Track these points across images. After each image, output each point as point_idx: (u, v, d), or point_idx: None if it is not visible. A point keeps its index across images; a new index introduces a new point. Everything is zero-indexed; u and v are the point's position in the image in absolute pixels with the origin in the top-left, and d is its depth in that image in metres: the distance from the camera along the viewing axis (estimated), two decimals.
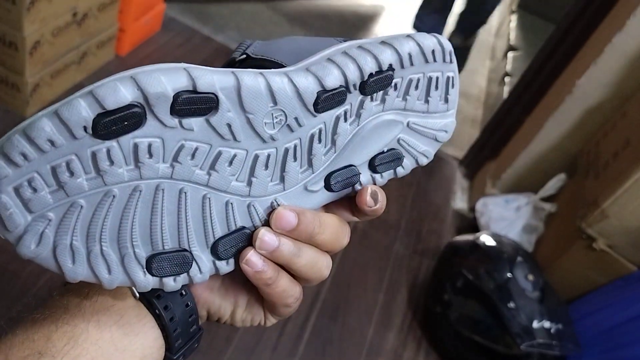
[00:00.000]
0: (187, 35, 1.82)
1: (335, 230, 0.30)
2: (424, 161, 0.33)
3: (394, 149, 0.31)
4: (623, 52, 1.27)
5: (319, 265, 0.30)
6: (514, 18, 2.58)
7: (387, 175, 0.32)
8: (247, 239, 0.28)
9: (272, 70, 0.26)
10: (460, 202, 1.73)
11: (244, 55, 0.31)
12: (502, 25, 2.75)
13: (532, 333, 1.11)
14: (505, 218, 1.48)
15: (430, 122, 0.31)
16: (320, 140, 0.28)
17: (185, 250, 0.26)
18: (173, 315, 0.29)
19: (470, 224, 1.62)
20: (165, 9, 1.74)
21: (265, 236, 0.27)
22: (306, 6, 2.25)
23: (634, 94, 1.29)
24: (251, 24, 2.07)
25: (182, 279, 0.27)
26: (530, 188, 1.52)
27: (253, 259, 0.27)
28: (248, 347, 1.15)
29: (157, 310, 0.29)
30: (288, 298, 0.30)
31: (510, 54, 2.29)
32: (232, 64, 0.31)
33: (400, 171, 0.32)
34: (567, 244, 1.26)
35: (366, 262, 1.43)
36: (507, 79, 2.12)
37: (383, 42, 0.28)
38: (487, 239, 1.28)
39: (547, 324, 1.12)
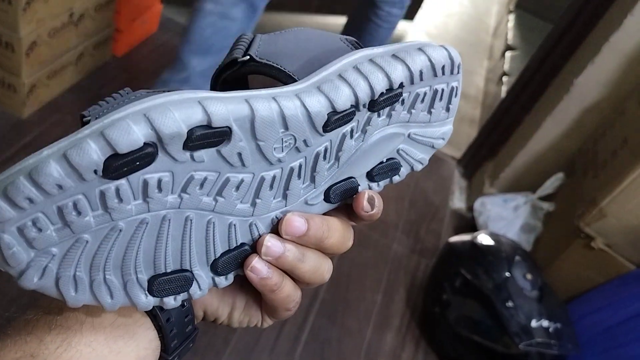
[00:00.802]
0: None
1: (342, 233, 0.30)
2: (419, 168, 0.33)
3: (392, 158, 0.31)
4: (620, 50, 1.27)
5: (321, 269, 0.30)
6: (511, 18, 2.59)
7: (384, 183, 0.32)
8: (247, 254, 0.28)
9: (284, 90, 0.25)
10: (458, 202, 1.73)
11: (247, 57, 0.29)
12: (500, 25, 2.75)
13: (531, 332, 1.11)
14: (503, 217, 1.48)
15: (430, 131, 0.31)
16: (325, 158, 0.28)
17: (186, 270, 0.26)
18: (170, 316, 0.29)
19: (469, 224, 1.62)
20: (162, 10, 1.74)
21: (270, 242, 0.27)
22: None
23: (631, 93, 1.29)
24: None
25: (182, 296, 0.27)
26: (528, 187, 1.52)
27: (258, 266, 0.27)
28: (246, 348, 1.15)
29: (153, 311, 0.28)
30: (290, 303, 0.30)
31: (508, 54, 2.29)
32: (233, 64, 0.30)
33: (396, 179, 0.32)
34: (566, 243, 1.26)
35: (364, 262, 1.43)
36: (505, 79, 2.12)
37: (395, 57, 0.27)
38: (485, 239, 1.28)
39: (545, 323, 1.12)
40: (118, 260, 0.24)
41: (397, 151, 0.31)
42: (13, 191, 0.20)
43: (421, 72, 0.28)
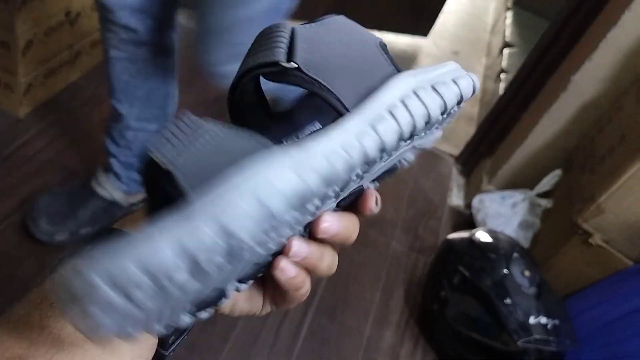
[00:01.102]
0: (182, 33, 1.82)
1: (357, 229, 0.32)
2: (405, 166, 0.35)
3: (394, 164, 0.33)
4: (618, 47, 1.27)
5: (333, 264, 0.32)
6: (509, 15, 2.59)
7: (380, 182, 0.34)
8: (268, 261, 0.29)
9: (348, 140, 0.26)
10: (456, 199, 1.73)
11: (294, 64, 0.27)
12: (498, 22, 2.75)
13: (529, 329, 1.11)
14: (501, 214, 1.48)
15: (427, 139, 0.33)
16: (354, 180, 0.29)
17: (222, 289, 0.27)
18: None
19: (467, 221, 1.62)
20: None
21: (297, 245, 0.29)
22: None
23: (629, 89, 1.29)
24: None
25: (213, 308, 0.28)
26: (526, 184, 1.52)
27: (288, 267, 0.29)
28: (245, 345, 1.15)
29: None
30: (305, 296, 0.32)
31: (506, 51, 2.29)
32: (274, 64, 0.27)
33: (388, 178, 0.34)
34: (564, 239, 1.26)
35: (363, 260, 1.43)
36: (502, 76, 2.12)
37: (434, 90, 0.29)
38: (483, 236, 1.28)
39: (543, 319, 1.13)
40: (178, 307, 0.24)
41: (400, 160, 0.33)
42: (124, 281, 0.19)
43: (452, 107, 0.30)
